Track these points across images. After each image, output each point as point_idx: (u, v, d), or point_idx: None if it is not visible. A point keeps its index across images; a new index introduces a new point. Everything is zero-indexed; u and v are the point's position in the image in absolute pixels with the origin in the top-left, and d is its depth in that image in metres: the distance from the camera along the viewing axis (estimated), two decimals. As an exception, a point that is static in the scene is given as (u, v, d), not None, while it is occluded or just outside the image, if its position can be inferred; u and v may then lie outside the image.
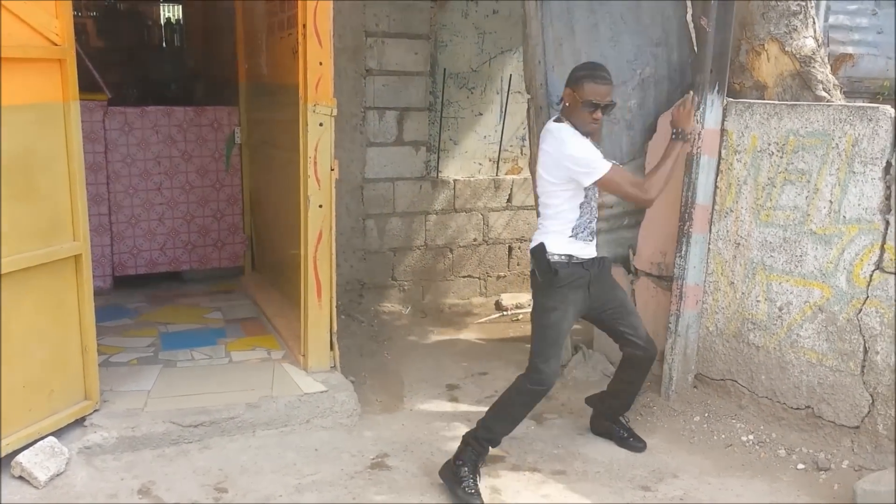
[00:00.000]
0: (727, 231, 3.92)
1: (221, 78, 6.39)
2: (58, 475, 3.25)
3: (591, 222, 3.38)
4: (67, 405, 3.50)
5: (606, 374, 4.36)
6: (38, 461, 3.21)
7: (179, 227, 5.74)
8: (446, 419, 4.02)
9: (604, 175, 3.22)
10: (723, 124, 3.91)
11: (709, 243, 4.00)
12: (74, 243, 3.39)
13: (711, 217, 3.98)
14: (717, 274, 3.97)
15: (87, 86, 4.58)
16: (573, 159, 3.22)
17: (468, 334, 5.35)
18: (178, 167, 5.66)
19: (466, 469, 3.30)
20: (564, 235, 3.34)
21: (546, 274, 3.34)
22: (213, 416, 3.68)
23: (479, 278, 6.01)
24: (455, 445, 3.46)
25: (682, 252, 3.99)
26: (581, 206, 3.33)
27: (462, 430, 3.84)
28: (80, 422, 3.53)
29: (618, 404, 3.79)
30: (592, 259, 3.41)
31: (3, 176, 3.07)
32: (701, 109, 3.87)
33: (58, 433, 3.41)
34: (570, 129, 3.30)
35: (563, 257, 3.33)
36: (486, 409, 3.49)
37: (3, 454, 3.19)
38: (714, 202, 3.97)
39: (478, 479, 3.31)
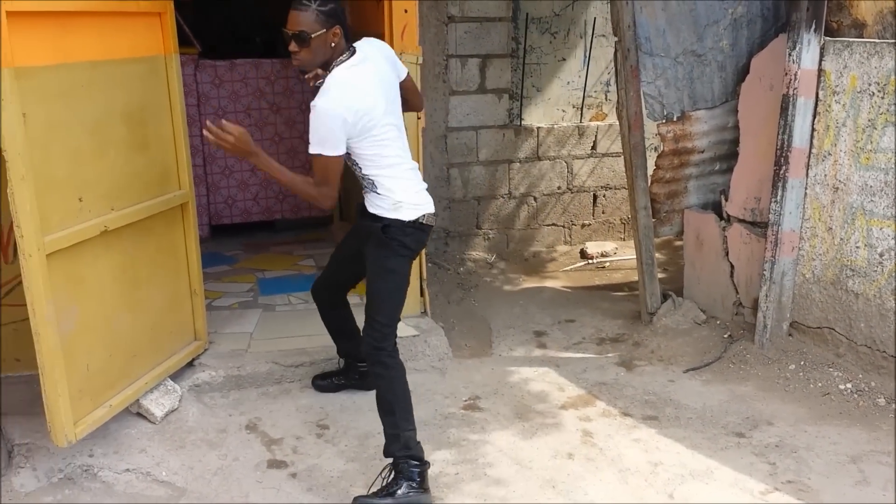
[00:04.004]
0: (825, 175, 3.82)
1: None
2: (172, 411, 3.45)
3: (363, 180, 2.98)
4: (183, 345, 3.69)
5: (697, 322, 4.33)
6: (153, 398, 3.41)
7: (271, 178, 5.87)
8: (535, 364, 4.07)
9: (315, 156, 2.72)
10: (820, 64, 3.79)
11: (805, 188, 3.90)
12: (181, 191, 3.54)
13: (808, 161, 3.88)
14: (815, 219, 3.89)
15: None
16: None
17: (553, 282, 5.37)
18: (268, 119, 5.79)
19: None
20: None
21: None
22: (313, 356, 3.84)
23: (563, 226, 5.99)
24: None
25: (778, 197, 3.91)
26: None
27: (551, 375, 3.91)
28: (188, 362, 3.72)
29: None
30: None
31: (129, 128, 3.23)
32: (797, 49, 3.76)
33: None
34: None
35: None
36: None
37: (142, 393, 3.37)
38: (811, 145, 3.86)
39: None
